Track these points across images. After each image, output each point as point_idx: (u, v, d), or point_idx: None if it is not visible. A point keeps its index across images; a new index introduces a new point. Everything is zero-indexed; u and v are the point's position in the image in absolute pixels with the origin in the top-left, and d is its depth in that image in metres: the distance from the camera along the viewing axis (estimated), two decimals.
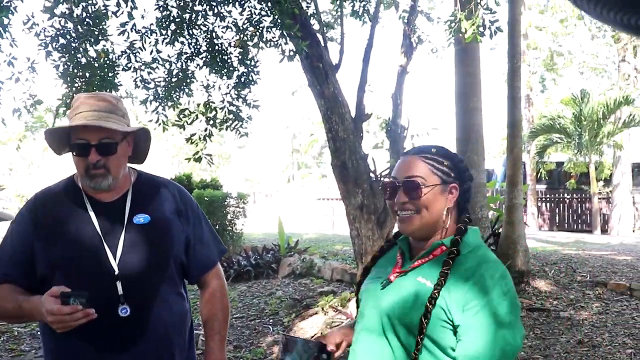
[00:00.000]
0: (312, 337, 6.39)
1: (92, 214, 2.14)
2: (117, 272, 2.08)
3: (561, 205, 22.00)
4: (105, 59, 6.45)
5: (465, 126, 8.39)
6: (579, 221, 21.58)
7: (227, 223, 12.66)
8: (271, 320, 7.34)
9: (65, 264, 2.07)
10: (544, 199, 22.19)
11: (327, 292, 7.95)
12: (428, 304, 1.70)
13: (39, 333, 6.86)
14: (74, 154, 2.13)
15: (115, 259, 2.09)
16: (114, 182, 2.15)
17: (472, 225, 1.92)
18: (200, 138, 8.08)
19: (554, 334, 6.00)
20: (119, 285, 2.07)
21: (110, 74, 6.60)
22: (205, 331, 2.40)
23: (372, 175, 6.70)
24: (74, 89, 6.53)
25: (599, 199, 20.16)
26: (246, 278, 9.83)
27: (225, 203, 12.80)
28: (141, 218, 2.18)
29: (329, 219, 22.97)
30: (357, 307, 2.03)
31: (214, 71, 7.18)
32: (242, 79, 7.32)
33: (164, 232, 2.21)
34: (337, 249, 11.68)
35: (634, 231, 19.46)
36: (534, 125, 21.12)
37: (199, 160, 8.02)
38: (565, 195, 21.96)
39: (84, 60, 6.28)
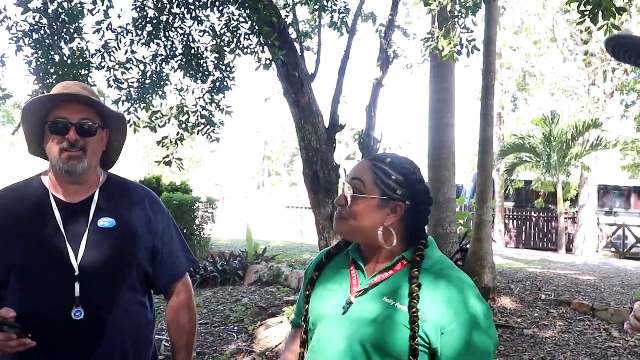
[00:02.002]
0: (276, 347, 6.34)
1: (56, 213, 2.08)
2: (77, 272, 2.02)
3: (528, 223, 22.28)
4: (79, 57, 6.35)
5: (438, 142, 8.45)
6: (545, 240, 21.88)
7: (195, 228, 12.55)
8: (236, 328, 7.27)
9: (23, 261, 2.00)
10: (511, 217, 22.44)
11: (294, 302, 7.90)
12: (413, 345, 1.59)
13: None
14: (51, 132, 2.06)
15: (77, 259, 2.03)
16: (88, 169, 2.09)
17: (431, 240, 1.80)
18: (171, 141, 8.01)
19: (517, 351, 6.04)
20: (77, 286, 2.01)
21: (83, 73, 6.51)
22: (172, 343, 2.33)
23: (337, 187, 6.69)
24: (46, 85, 6.42)
25: (565, 218, 20.44)
26: (212, 284, 9.74)
27: (194, 207, 12.68)
28: (106, 222, 2.12)
29: (297, 227, 22.92)
30: (302, 326, 1.88)
31: (188, 75, 7.14)
32: (217, 84, 7.29)
33: (129, 239, 2.15)
34: (305, 258, 11.65)
35: (597, 252, 19.76)
36: (505, 144, 21.38)
37: (169, 164, 7.94)
38: (533, 213, 22.24)
39: (57, 57, 6.18)
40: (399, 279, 1.70)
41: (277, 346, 6.36)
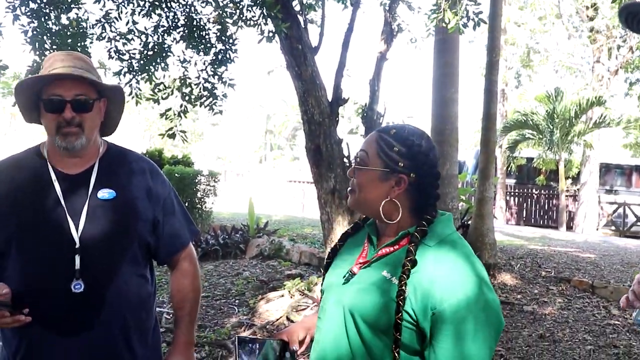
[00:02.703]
0: (277, 320, 6.37)
1: (56, 185, 2.06)
2: (77, 245, 2.00)
3: (529, 200, 22.27)
4: (77, 27, 6.28)
5: (441, 116, 8.39)
6: (546, 217, 21.88)
7: (197, 201, 12.55)
8: (237, 301, 7.30)
9: (22, 233, 1.97)
10: (512, 193, 22.42)
11: (294, 275, 7.92)
12: (397, 318, 1.55)
13: None
14: (46, 110, 2.03)
15: (77, 231, 2.01)
16: (86, 144, 2.06)
17: (446, 216, 1.75)
18: (175, 114, 7.97)
19: (517, 327, 6.06)
20: (77, 258, 1.99)
21: (82, 43, 6.44)
22: (175, 312, 2.32)
23: (345, 160, 6.67)
24: (44, 56, 6.36)
25: (566, 196, 20.42)
26: (213, 257, 9.77)
27: (196, 180, 12.67)
28: (106, 193, 2.09)
29: (299, 201, 22.94)
30: (322, 292, 1.90)
31: (191, 46, 7.07)
32: (219, 56, 7.23)
33: (129, 210, 2.12)
34: (307, 232, 11.66)
35: (597, 229, 19.78)
36: (508, 120, 21.29)
37: (172, 136, 7.91)
38: (534, 190, 22.22)
39: (54, 27, 6.11)
40: (401, 255, 1.67)
41: (277, 319, 6.39)
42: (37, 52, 6.10)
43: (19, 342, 2.02)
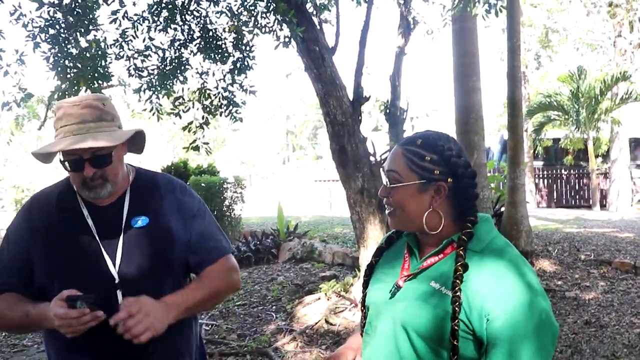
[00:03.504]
0: (315, 324, 6.33)
1: (89, 220, 2.04)
2: (117, 279, 1.98)
3: (559, 181, 21.97)
4: (97, 48, 6.31)
5: (465, 107, 8.29)
6: (577, 197, 21.58)
7: (225, 209, 12.57)
8: (274, 307, 7.29)
9: (63, 273, 1.96)
10: (541, 176, 22.14)
11: (329, 277, 7.89)
12: (453, 325, 1.52)
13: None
14: (66, 169, 2.01)
15: (115, 266, 1.99)
16: (113, 188, 2.04)
17: (486, 218, 1.72)
18: (197, 126, 7.98)
19: (560, 314, 5.95)
20: (119, 293, 1.97)
21: (102, 64, 6.47)
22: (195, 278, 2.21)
23: (371, 158, 6.61)
24: (66, 80, 6.40)
25: (597, 174, 20.12)
26: (246, 264, 9.78)
27: (223, 189, 12.69)
28: (139, 220, 2.06)
29: (326, 200, 22.90)
30: (362, 310, 1.87)
31: (208, 57, 7.07)
32: (237, 65, 7.22)
33: (164, 233, 2.09)
34: (337, 232, 11.63)
35: (632, 206, 19.46)
36: (531, 103, 21.03)
37: (196, 149, 7.92)
38: (563, 171, 21.92)
39: (74, 50, 6.14)
40: (447, 263, 1.64)
41: (316, 323, 6.35)
42: (60, 77, 6.14)
43: None
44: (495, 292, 1.52)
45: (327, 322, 6.32)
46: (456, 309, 1.53)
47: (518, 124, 7.92)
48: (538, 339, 1.49)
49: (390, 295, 1.71)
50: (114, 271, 1.98)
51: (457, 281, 1.55)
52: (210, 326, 6.74)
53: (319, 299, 6.99)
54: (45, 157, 2.07)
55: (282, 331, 6.38)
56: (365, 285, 1.88)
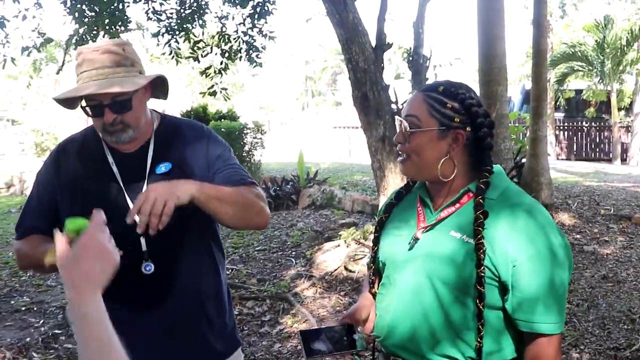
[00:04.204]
0: (335, 270, 6.40)
1: (113, 167, 2.05)
2: None
3: (579, 133, 21.74)
4: None
5: (488, 56, 8.13)
6: (598, 150, 21.37)
7: (245, 154, 12.60)
8: (293, 253, 7.37)
9: (87, 218, 1.97)
10: (562, 128, 21.90)
11: (349, 224, 7.94)
12: (479, 272, 1.55)
13: None
14: (88, 114, 2.01)
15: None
16: (135, 133, 2.03)
17: (495, 163, 1.75)
18: (215, 71, 7.94)
19: (578, 268, 5.96)
20: (142, 240, 1.97)
21: (120, 7, 6.41)
22: None
23: (393, 106, 6.56)
24: (84, 24, 6.37)
25: (619, 127, 19.85)
26: None
27: (243, 134, 12.70)
28: (163, 167, 2.06)
29: (345, 147, 22.87)
30: (372, 267, 1.90)
31: (228, 1, 6.99)
32: (257, 9, 7.13)
33: (187, 178, 2.09)
34: (357, 180, 11.65)
35: None
36: (554, 53, 20.63)
37: (214, 94, 7.91)
38: (584, 123, 21.66)
39: None
40: (465, 212, 1.67)
41: (335, 270, 6.43)
42: (78, 21, 6.11)
43: None
44: (517, 238, 1.57)
45: (346, 269, 6.39)
46: (481, 255, 1.56)
47: (542, 75, 7.79)
48: (559, 267, 1.58)
49: (409, 247, 1.72)
50: (137, 217, 1.98)
51: (479, 229, 1.58)
52: (230, 270, 6.84)
53: (338, 246, 7.05)
54: (68, 103, 2.08)
55: (302, 277, 6.46)
56: (376, 241, 1.89)
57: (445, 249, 1.64)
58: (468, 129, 1.67)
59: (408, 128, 1.67)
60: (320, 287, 6.08)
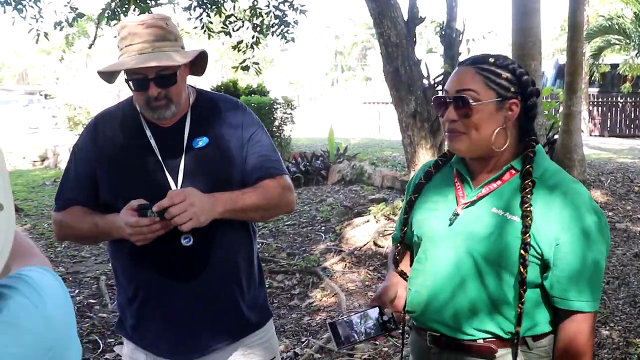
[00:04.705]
0: (364, 245, 6.42)
1: (152, 141, 2.06)
2: None
3: (614, 109, 21.28)
4: None
5: (523, 29, 7.99)
6: (632, 126, 20.91)
7: (275, 129, 12.63)
8: (323, 228, 7.40)
9: (126, 191, 1.99)
10: (596, 103, 21.48)
11: (378, 200, 7.94)
12: (522, 251, 1.56)
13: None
14: (131, 88, 2.02)
15: (177, 186, 2.02)
16: (177, 109, 2.06)
17: (539, 148, 1.73)
18: (247, 45, 7.93)
19: (610, 246, 5.89)
20: None
21: None
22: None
23: (425, 81, 6.51)
24: None
25: None
26: (295, 185, 9.84)
27: (273, 109, 12.71)
28: (200, 141, 2.08)
29: (375, 123, 22.77)
30: (400, 244, 1.90)
31: None
32: None
33: (223, 153, 2.10)
34: (386, 155, 11.63)
35: None
36: (590, 27, 20.18)
37: (246, 69, 7.90)
38: (619, 99, 21.21)
39: None
40: (508, 189, 1.67)
41: (364, 245, 6.44)
42: None
43: (137, 287, 2.10)
44: (561, 217, 1.58)
45: (375, 244, 6.40)
46: (527, 239, 1.56)
47: (578, 49, 7.66)
48: (598, 257, 1.59)
49: (450, 222, 1.71)
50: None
51: (528, 210, 1.58)
52: (260, 244, 6.91)
53: (368, 221, 7.06)
54: (108, 76, 2.09)
55: (331, 251, 6.50)
56: (411, 205, 1.88)
57: (487, 225, 1.64)
58: (519, 98, 1.67)
59: (471, 101, 1.64)
60: (349, 262, 6.11)
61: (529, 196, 1.59)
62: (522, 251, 1.57)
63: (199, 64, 2.17)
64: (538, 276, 1.61)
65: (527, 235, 1.56)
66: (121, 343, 2.30)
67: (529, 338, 1.65)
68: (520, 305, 1.60)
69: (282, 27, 7.89)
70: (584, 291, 1.57)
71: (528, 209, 1.58)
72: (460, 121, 1.67)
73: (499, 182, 1.69)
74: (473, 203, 1.70)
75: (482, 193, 1.69)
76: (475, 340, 1.67)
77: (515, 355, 1.64)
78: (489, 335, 1.66)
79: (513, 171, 1.68)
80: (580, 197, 1.61)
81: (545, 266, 1.60)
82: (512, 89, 1.66)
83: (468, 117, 1.66)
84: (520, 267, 1.58)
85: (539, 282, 1.62)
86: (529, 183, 1.61)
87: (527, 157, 1.67)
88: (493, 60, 1.68)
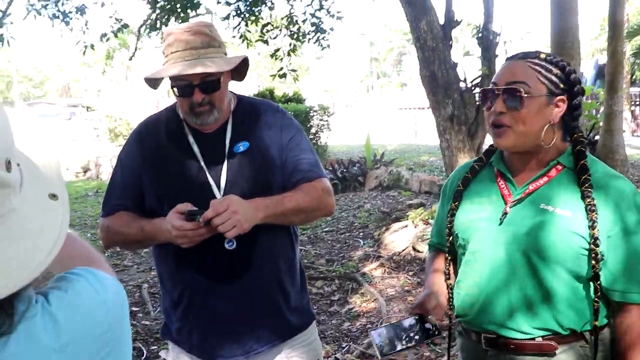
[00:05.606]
0: (403, 250, 6.40)
1: (194, 147, 2.10)
2: None
3: None
4: None
5: (561, 29, 7.89)
6: None
7: (312, 137, 12.69)
8: (361, 234, 7.40)
9: (171, 197, 2.03)
10: (638, 103, 21.07)
11: (416, 205, 7.90)
12: (593, 246, 1.56)
13: (139, 250, 7.19)
14: (176, 94, 2.06)
15: (219, 191, 2.05)
16: (219, 114, 2.09)
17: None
18: (284, 53, 7.99)
19: None
20: None
21: None
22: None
23: (462, 84, 6.47)
24: (157, 9, 6.51)
25: None
26: (333, 192, 9.90)
27: (310, 117, 12.77)
28: (241, 146, 2.11)
29: (411, 128, 22.69)
30: (448, 242, 1.86)
31: None
32: None
33: (264, 157, 2.12)
34: (423, 160, 11.57)
35: None
36: (631, 25, 19.82)
37: (283, 76, 7.96)
38: None
39: None
40: (555, 185, 1.67)
41: (403, 250, 6.42)
42: (151, 5, 6.25)
43: (182, 290, 2.13)
44: (611, 210, 1.58)
45: (414, 249, 6.37)
46: (594, 225, 1.56)
47: (618, 48, 7.53)
48: None
49: (500, 221, 1.70)
50: (219, 196, 2.05)
51: (590, 201, 1.58)
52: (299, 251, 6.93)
53: (406, 226, 7.04)
54: (153, 82, 2.14)
55: (369, 257, 6.48)
56: (452, 213, 1.84)
57: (537, 222, 1.64)
58: (566, 96, 1.67)
59: (523, 93, 1.63)
60: (388, 267, 6.09)
61: (590, 190, 1.59)
62: (592, 246, 1.56)
63: (240, 69, 2.21)
64: (589, 270, 1.61)
65: (596, 229, 1.55)
66: (165, 348, 2.33)
67: (587, 332, 1.65)
68: (596, 299, 1.61)
69: (319, 34, 7.95)
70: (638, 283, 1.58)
71: (592, 202, 1.57)
72: (509, 114, 1.66)
73: (545, 179, 1.68)
74: (521, 201, 1.69)
75: (529, 190, 1.69)
76: (533, 339, 1.66)
77: (595, 349, 1.63)
78: (548, 333, 1.65)
79: (559, 167, 1.68)
80: (627, 190, 1.61)
81: (600, 259, 1.59)
82: (562, 86, 1.66)
83: (517, 109, 1.64)
84: (593, 262, 1.57)
85: (590, 276, 1.61)
86: (588, 177, 1.61)
87: (580, 152, 1.67)
88: (544, 56, 1.69)
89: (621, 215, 1.57)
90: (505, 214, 1.70)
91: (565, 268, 1.61)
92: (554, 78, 1.65)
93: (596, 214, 1.56)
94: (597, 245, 1.56)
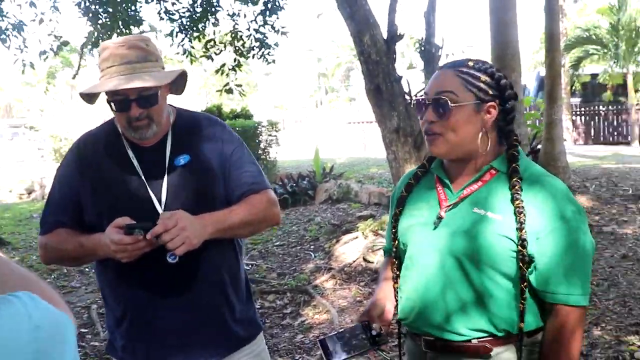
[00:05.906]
0: (354, 262, 6.43)
1: (134, 161, 2.08)
2: None
3: (596, 118, 21.48)
4: None
5: (501, 42, 8.13)
6: (615, 134, 21.12)
7: (261, 152, 12.68)
8: (312, 247, 7.41)
9: (111, 212, 1.99)
10: (578, 113, 21.69)
11: (366, 216, 7.96)
12: (520, 247, 1.58)
13: (87, 270, 7.05)
14: (113, 109, 2.03)
15: (161, 205, 2.04)
16: (158, 128, 2.07)
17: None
18: (229, 69, 7.99)
19: (597, 249, 5.93)
20: None
21: (132, 8, 6.49)
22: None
23: (407, 97, 6.57)
24: (98, 26, 6.44)
25: (637, 110, 19.67)
26: (283, 206, 9.89)
27: (258, 132, 12.76)
28: (182, 159, 2.09)
29: (360, 142, 22.88)
30: (394, 247, 1.87)
31: None
32: (269, 5, 7.17)
33: (206, 170, 2.11)
34: (373, 173, 11.67)
35: None
36: (569, 38, 20.47)
37: (230, 91, 7.95)
38: (601, 107, 21.43)
39: None
40: (488, 189, 1.69)
41: (354, 261, 6.46)
42: (92, 22, 6.18)
43: (125, 307, 2.10)
44: (541, 210, 1.60)
45: (364, 260, 6.41)
46: (522, 227, 1.58)
47: (555, 59, 7.78)
48: (583, 233, 1.63)
49: (434, 226, 1.73)
50: (160, 210, 2.03)
51: (519, 203, 1.60)
52: (250, 266, 6.90)
53: (357, 237, 7.08)
54: (89, 97, 2.11)
55: (321, 269, 6.50)
56: (396, 218, 1.87)
57: (468, 225, 1.66)
58: (497, 101, 1.69)
59: (450, 103, 1.65)
60: (339, 279, 6.11)
61: (519, 193, 1.61)
62: (520, 247, 1.58)
63: (178, 83, 2.20)
64: (517, 270, 1.63)
65: (523, 231, 1.58)
66: None
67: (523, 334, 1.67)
68: (522, 301, 1.63)
69: (263, 49, 7.97)
70: (571, 285, 1.60)
71: (520, 205, 1.59)
72: (439, 122, 1.69)
73: (479, 183, 1.71)
74: (455, 205, 1.72)
75: (463, 194, 1.72)
76: (469, 341, 1.68)
77: (520, 351, 1.66)
78: (484, 335, 1.67)
79: (493, 171, 1.71)
80: (558, 190, 1.64)
81: (529, 261, 1.61)
82: (490, 92, 1.68)
83: (446, 118, 1.67)
84: (520, 264, 1.60)
85: (517, 276, 1.63)
86: (518, 180, 1.63)
87: (512, 156, 1.69)
88: (472, 63, 1.71)
89: (552, 214, 1.60)
90: (440, 218, 1.73)
91: (497, 271, 1.63)
92: (482, 85, 1.68)
93: (524, 215, 1.58)
94: (525, 247, 1.58)
